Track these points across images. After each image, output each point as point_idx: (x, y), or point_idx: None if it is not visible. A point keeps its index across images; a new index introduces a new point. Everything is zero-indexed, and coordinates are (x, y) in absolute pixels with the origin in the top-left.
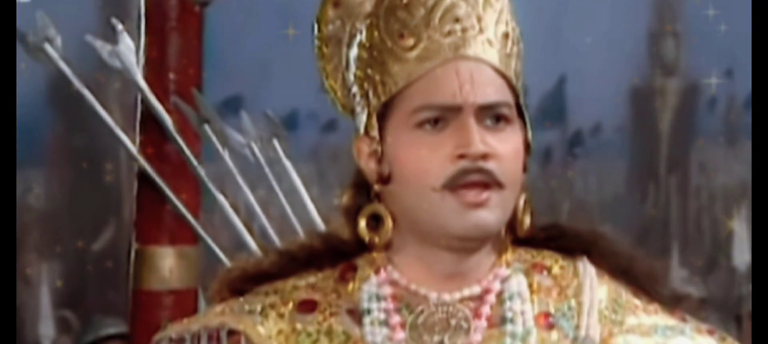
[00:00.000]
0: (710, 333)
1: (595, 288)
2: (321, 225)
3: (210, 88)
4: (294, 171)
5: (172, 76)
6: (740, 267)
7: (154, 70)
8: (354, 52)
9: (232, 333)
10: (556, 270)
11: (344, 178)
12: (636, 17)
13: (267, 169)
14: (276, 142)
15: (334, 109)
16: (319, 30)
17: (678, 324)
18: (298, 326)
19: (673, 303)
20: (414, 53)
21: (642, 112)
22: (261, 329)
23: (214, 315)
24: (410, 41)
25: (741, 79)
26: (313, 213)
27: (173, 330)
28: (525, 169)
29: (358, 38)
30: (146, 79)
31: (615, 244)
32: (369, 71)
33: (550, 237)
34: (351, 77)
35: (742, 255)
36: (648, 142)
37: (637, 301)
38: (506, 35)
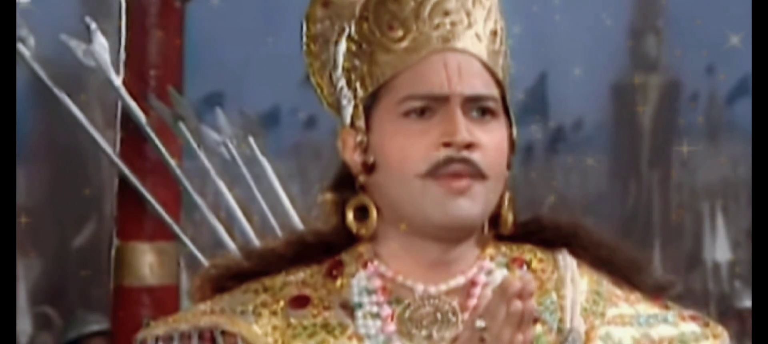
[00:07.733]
0: (693, 318)
1: (577, 281)
2: (298, 222)
3: (191, 84)
4: (270, 168)
5: (152, 72)
6: (721, 263)
7: (135, 66)
8: (342, 45)
9: (225, 333)
10: (535, 264)
11: (326, 175)
12: (618, 13)
13: (243, 167)
14: (251, 140)
15: (319, 105)
16: (308, 28)
17: (660, 312)
18: (293, 321)
19: (656, 291)
20: (403, 44)
21: (623, 108)
22: (256, 328)
23: (202, 314)
24: (399, 32)
25: (722, 75)
26: (290, 211)
27: (160, 328)
28: (509, 166)
29: (346, 32)
30: (127, 75)
31: (595, 235)
32: (357, 62)
33: (530, 231)
34: (338, 72)
35: (721, 251)
36: (629, 137)
37: (618, 291)
38: (494, 32)
